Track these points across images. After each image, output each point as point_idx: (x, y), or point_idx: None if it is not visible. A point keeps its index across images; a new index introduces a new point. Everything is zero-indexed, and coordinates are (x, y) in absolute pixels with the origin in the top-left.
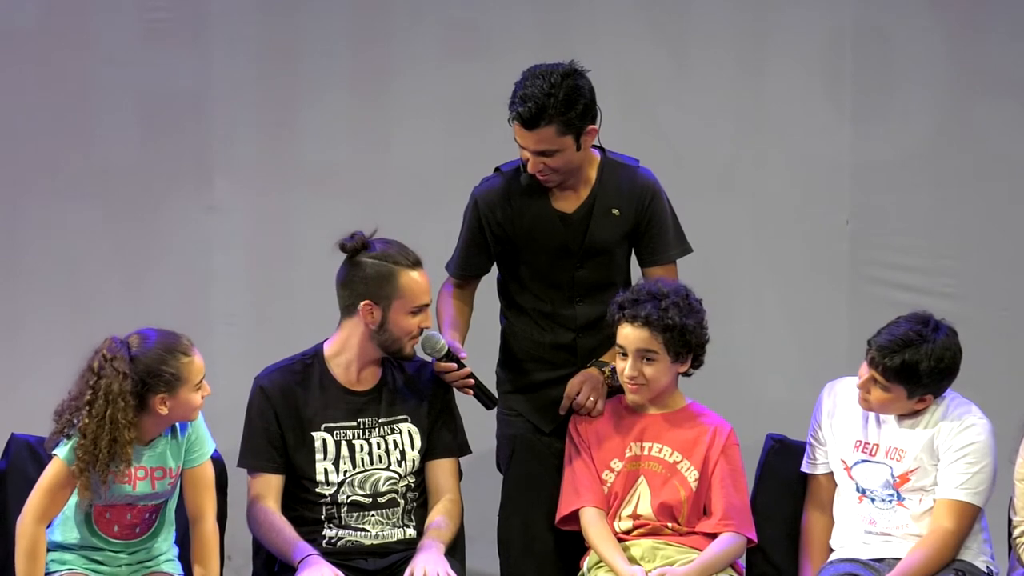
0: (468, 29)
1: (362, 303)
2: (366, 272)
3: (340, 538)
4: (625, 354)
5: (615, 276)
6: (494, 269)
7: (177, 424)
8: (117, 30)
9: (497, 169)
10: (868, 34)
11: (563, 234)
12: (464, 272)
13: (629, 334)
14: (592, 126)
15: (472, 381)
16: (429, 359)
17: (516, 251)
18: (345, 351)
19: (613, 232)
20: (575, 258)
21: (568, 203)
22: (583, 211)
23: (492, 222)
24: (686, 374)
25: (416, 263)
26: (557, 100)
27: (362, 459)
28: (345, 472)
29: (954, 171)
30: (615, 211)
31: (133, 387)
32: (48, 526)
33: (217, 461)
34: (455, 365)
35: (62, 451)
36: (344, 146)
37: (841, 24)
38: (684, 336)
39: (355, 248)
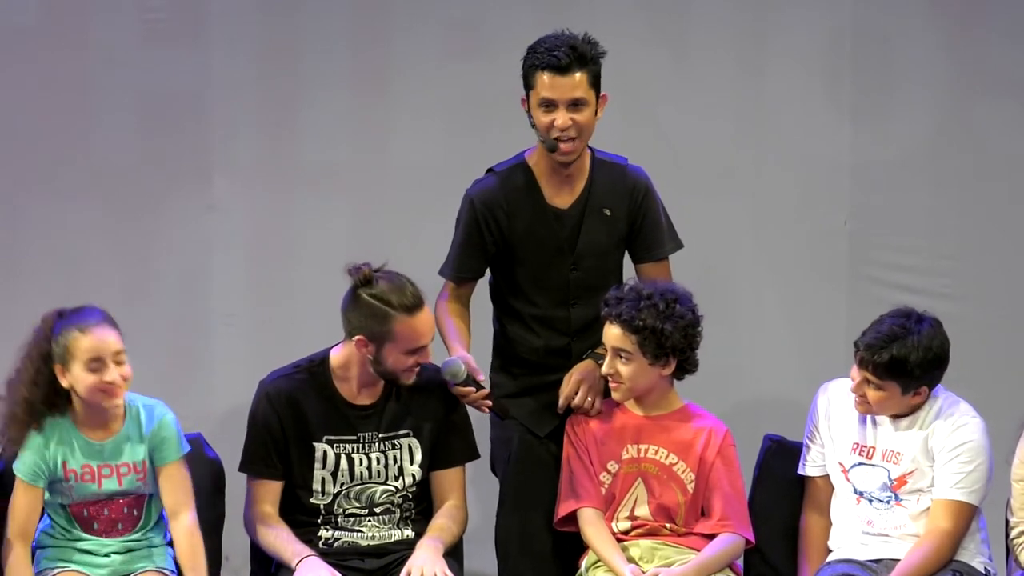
0: (468, 29)
1: (356, 337)
2: (362, 309)
3: (336, 539)
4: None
5: (609, 279)
6: (487, 274)
7: (142, 420)
8: (116, 30)
9: (490, 170)
10: (868, 34)
11: (558, 233)
12: (461, 275)
13: (608, 331)
14: (605, 94)
15: (490, 402)
16: (450, 382)
17: (512, 252)
18: (347, 368)
19: (605, 233)
20: (569, 259)
21: (563, 199)
22: (577, 208)
23: (490, 222)
24: (677, 378)
25: (414, 307)
26: (589, 48)
27: (360, 473)
28: (342, 484)
29: (953, 171)
30: (607, 211)
31: (48, 353)
32: (39, 528)
33: (215, 462)
34: (474, 388)
35: (17, 467)
36: (344, 146)
37: (841, 24)
38: (659, 339)
39: (359, 282)
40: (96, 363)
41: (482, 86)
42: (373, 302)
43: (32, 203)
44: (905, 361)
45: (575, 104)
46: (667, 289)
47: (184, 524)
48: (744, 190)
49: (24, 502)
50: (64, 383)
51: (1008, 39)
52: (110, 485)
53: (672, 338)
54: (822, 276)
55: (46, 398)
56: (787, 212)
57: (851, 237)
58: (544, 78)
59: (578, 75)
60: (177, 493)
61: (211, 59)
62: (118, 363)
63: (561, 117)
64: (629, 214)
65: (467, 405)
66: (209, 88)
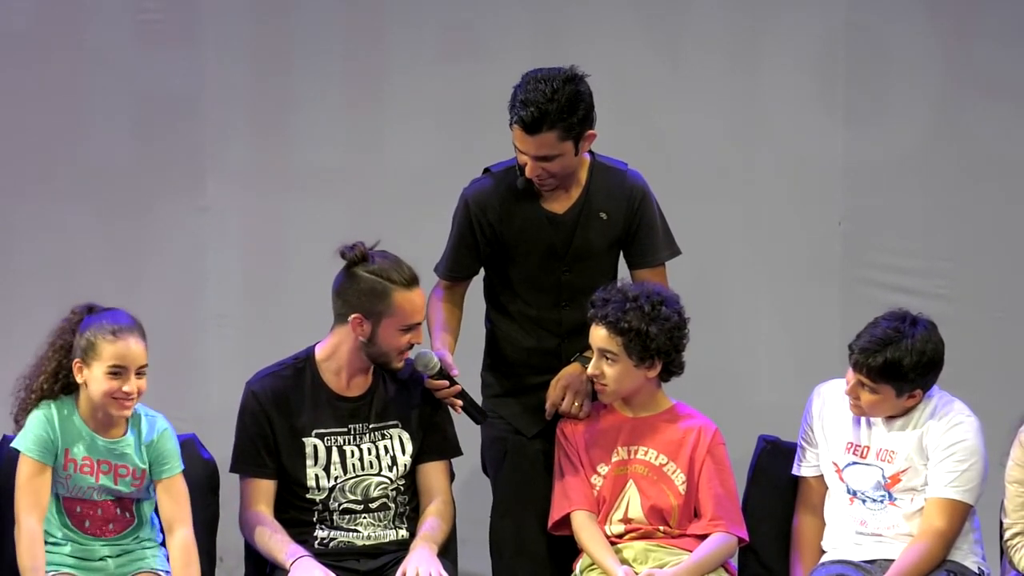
0: (462, 31)
1: (352, 315)
2: (360, 286)
3: (332, 539)
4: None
5: (602, 281)
6: (482, 272)
7: (143, 428)
8: (110, 32)
9: (487, 170)
10: (862, 36)
11: (551, 236)
12: (453, 273)
13: (594, 332)
14: (591, 131)
15: (461, 401)
16: (422, 374)
17: (505, 253)
18: (335, 357)
19: (600, 236)
20: (562, 261)
21: (558, 204)
22: (572, 213)
23: (483, 222)
24: (664, 379)
25: (412, 282)
26: (559, 106)
27: (353, 465)
28: (336, 478)
29: (947, 173)
30: (603, 215)
31: (69, 345)
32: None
33: (209, 462)
34: (447, 382)
35: (21, 443)
36: (338, 148)
37: (835, 26)
38: (643, 341)
39: (354, 259)
40: (118, 369)
41: (476, 88)
42: (372, 277)
43: (26, 205)
44: (899, 364)
45: (543, 158)
46: (653, 291)
47: (181, 539)
48: (738, 191)
49: (31, 480)
50: (79, 379)
51: (1001, 41)
52: (106, 482)
53: (657, 340)
54: (816, 278)
55: (61, 390)
56: (781, 214)
57: (845, 238)
58: (516, 130)
59: (544, 135)
60: (176, 507)
61: (205, 61)
62: (138, 375)
63: (530, 167)
64: (626, 219)
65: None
66: (203, 90)
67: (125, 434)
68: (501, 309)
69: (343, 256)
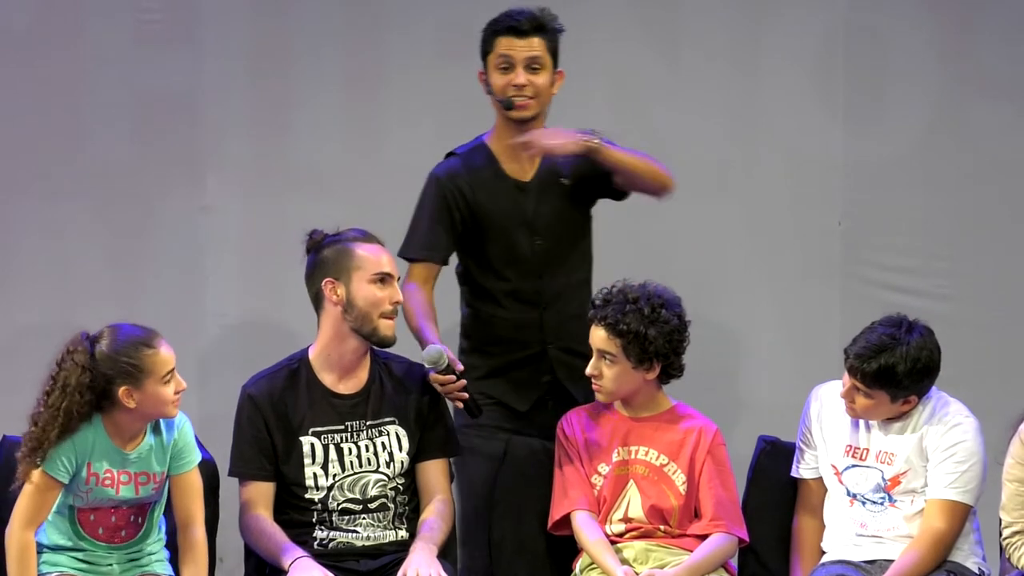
0: (460, 30)
1: (323, 282)
2: (324, 256)
3: (331, 540)
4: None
5: (575, 251)
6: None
7: (163, 430)
8: (110, 30)
9: (451, 153)
10: (861, 34)
11: (521, 205)
12: (427, 252)
13: (593, 333)
14: (561, 70)
15: (466, 395)
16: (429, 369)
17: (480, 227)
18: (327, 350)
19: (568, 200)
20: (532, 229)
21: (523, 171)
22: (536, 180)
23: (457, 196)
24: (663, 382)
25: (371, 238)
26: (548, 19)
27: (351, 462)
28: (334, 476)
29: (947, 172)
30: (564, 180)
31: (92, 381)
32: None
33: (209, 463)
34: (453, 377)
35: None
36: (337, 146)
37: (834, 24)
38: (642, 344)
39: (316, 243)
40: (170, 375)
41: (474, 86)
42: (333, 244)
43: (25, 204)
44: (893, 371)
45: (533, 66)
46: (655, 293)
47: (194, 538)
48: (737, 190)
49: (40, 493)
50: (129, 404)
51: (1001, 40)
52: (127, 492)
53: (656, 343)
54: (816, 277)
55: (79, 425)
56: (781, 212)
57: (845, 237)
58: (502, 40)
59: (536, 40)
60: (191, 503)
61: (204, 60)
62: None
63: (520, 76)
64: (578, 159)
65: (444, 396)
66: (202, 89)
67: (144, 440)
68: (479, 290)
69: (308, 249)
